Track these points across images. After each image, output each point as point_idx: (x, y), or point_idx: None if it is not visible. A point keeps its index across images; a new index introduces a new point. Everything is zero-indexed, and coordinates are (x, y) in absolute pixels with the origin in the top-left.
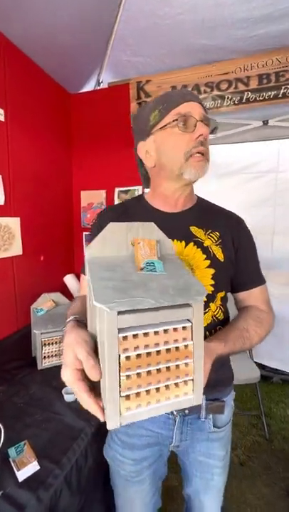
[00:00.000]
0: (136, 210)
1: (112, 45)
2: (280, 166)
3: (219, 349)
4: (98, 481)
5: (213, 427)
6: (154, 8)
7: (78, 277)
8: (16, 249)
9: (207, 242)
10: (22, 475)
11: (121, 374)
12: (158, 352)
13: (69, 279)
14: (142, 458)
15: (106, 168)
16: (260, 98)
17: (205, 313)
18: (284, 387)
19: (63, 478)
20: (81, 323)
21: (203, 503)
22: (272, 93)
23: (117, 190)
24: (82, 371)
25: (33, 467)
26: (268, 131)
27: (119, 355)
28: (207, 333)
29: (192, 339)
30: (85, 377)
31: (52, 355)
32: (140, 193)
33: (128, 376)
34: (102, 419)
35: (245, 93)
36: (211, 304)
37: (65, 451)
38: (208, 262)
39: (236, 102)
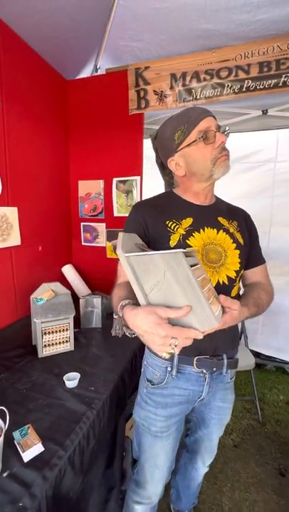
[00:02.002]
0: (172, 203)
1: (110, 30)
2: (279, 156)
3: (245, 312)
4: (100, 463)
5: (230, 378)
6: None
7: (76, 267)
8: (15, 239)
9: (231, 229)
10: (27, 456)
11: (202, 290)
12: (202, 280)
13: (67, 270)
14: (171, 414)
15: (104, 158)
16: (261, 87)
17: (235, 285)
18: (277, 374)
19: (67, 458)
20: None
21: (213, 435)
22: (273, 81)
23: (115, 180)
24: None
25: (37, 449)
26: (267, 121)
27: (197, 280)
28: (236, 296)
29: (205, 273)
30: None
31: (52, 344)
32: (138, 184)
33: (205, 291)
34: (202, 330)
35: (246, 81)
36: (237, 279)
37: (68, 434)
38: (234, 245)
39: (236, 91)
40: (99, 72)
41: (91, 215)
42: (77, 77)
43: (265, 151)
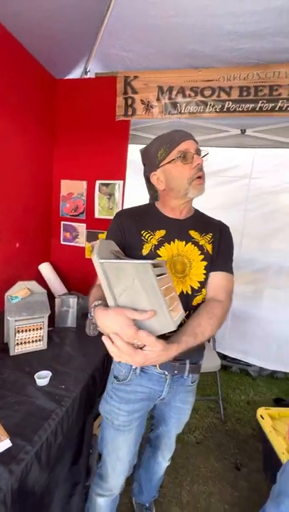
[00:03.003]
0: (150, 214)
1: (102, 37)
2: (254, 173)
3: (173, 352)
4: (66, 459)
5: (191, 382)
6: (146, 8)
7: (54, 266)
8: None
9: (202, 242)
10: None
11: (165, 298)
12: (166, 289)
13: (44, 268)
14: (133, 410)
15: (88, 159)
16: (240, 109)
17: (198, 295)
18: (241, 376)
19: (34, 454)
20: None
21: (171, 433)
22: (251, 106)
23: (98, 182)
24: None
25: (4, 444)
26: (245, 140)
27: (161, 288)
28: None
29: (171, 282)
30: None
31: (25, 342)
32: (121, 188)
33: (168, 299)
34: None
35: (227, 102)
36: (203, 290)
37: (36, 430)
38: (202, 256)
39: (218, 110)
40: (88, 75)
41: (72, 215)
42: (67, 78)
43: (241, 167)
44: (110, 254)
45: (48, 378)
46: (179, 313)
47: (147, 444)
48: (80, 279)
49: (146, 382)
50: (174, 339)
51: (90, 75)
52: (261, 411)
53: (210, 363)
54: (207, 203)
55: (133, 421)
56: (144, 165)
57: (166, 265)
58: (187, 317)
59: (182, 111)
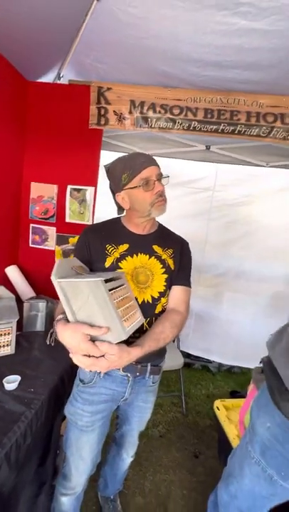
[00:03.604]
0: (116, 230)
1: (76, 47)
2: (216, 186)
3: (137, 353)
4: (33, 461)
5: (152, 382)
6: (120, 27)
7: (22, 269)
8: None
9: (164, 256)
10: None
11: (118, 310)
12: (122, 300)
13: (11, 271)
14: (97, 411)
15: (60, 164)
16: (204, 129)
17: (158, 303)
18: (202, 372)
19: (3, 455)
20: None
21: (134, 431)
22: (214, 127)
23: (69, 187)
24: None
25: None
26: (209, 155)
27: (114, 301)
28: (158, 314)
29: (129, 292)
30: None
31: None
32: (92, 194)
33: (121, 311)
34: (114, 342)
35: (193, 122)
36: (162, 299)
37: (6, 433)
38: (163, 269)
39: (185, 128)
40: (62, 81)
41: (41, 218)
42: (39, 81)
43: (205, 180)
44: (71, 271)
45: (17, 382)
46: (136, 321)
47: (113, 442)
48: (49, 282)
49: (109, 385)
50: (138, 342)
51: (64, 81)
52: (217, 403)
53: (174, 361)
54: (175, 212)
55: (96, 421)
56: (109, 179)
57: (124, 277)
58: (150, 323)
59: (153, 125)
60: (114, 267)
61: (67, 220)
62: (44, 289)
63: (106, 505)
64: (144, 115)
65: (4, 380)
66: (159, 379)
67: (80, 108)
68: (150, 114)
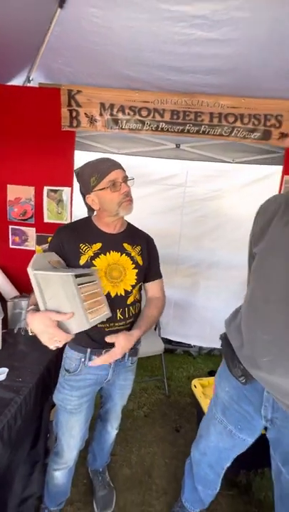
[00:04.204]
0: (88, 229)
1: (44, 52)
2: (188, 182)
3: (138, 334)
4: (26, 443)
5: (130, 363)
6: (84, 34)
7: (4, 270)
8: None
9: (133, 253)
10: None
11: (84, 303)
12: (90, 294)
13: None
14: (83, 395)
15: (35, 166)
16: (172, 130)
17: (130, 295)
18: (184, 357)
19: None
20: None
21: (117, 406)
22: (180, 128)
23: (46, 188)
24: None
25: None
26: (180, 153)
27: (81, 295)
28: (131, 307)
29: (98, 289)
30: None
31: None
32: (68, 195)
33: (87, 304)
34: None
35: (160, 123)
36: (134, 290)
37: None
38: (133, 265)
39: (153, 129)
40: (32, 84)
41: (20, 219)
42: (8, 84)
43: (177, 177)
44: (48, 264)
45: (5, 374)
46: (102, 314)
47: (98, 419)
48: (29, 281)
49: (94, 370)
50: (135, 326)
51: (34, 84)
52: (195, 381)
53: (155, 347)
54: (150, 208)
55: (83, 404)
56: (78, 182)
57: (96, 274)
58: (123, 313)
59: (123, 127)
60: (89, 264)
61: (46, 220)
62: (27, 288)
63: (96, 477)
64: (114, 117)
65: None
66: (136, 359)
67: (52, 110)
68: (120, 116)
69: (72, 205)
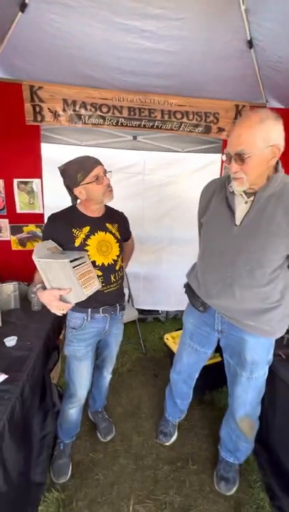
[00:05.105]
0: (76, 216)
1: (4, 50)
2: (146, 171)
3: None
4: (36, 398)
5: (121, 316)
6: (46, 37)
7: None
8: None
9: (114, 230)
10: None
11: (79, 281)
12: (83, 273)
13: None
14: (88, 344)
15: (2, 159)
16: (130, 125)
17: (117, 262)
18: (154, 323)
19: (21, 384)
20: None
21: (113, 351)
22: (137, 123)
23: (15, 180)
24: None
25: (2, 377)
26: (137, 144)
27: (76, 275)
28: (119, 271)
29: (90, 268)
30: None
31: None
32: (38, 186)
33: (82, 281)
34: (74, 301)
35: (119, 119)
36: (118, 259)
37: (20, 368)
38: (115, 240)
39: (113, 124)
40: None
41: None
42: None
43: (136, 166)
44: (47, 251)
45: (15, 340)
46: (94, 287)
47: (95, 368)
48: (9, 269)
49: (95, 325)
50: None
51: None
52: (166, 336)
53: (130, 314)
54: (116, 194)
55: (89, 351)
56: (63, 178)
57: (87, 256)
58: (115, 277)
59: (86, 122)
60: (83, 244)
61: (19, 211)
62: (8, 275)
63: (96, 416)
64: (77, 113)
65: (5, 340)
66: (124, 313)
67: (15, 105)
68: (82, 111)
69: (44, 195)
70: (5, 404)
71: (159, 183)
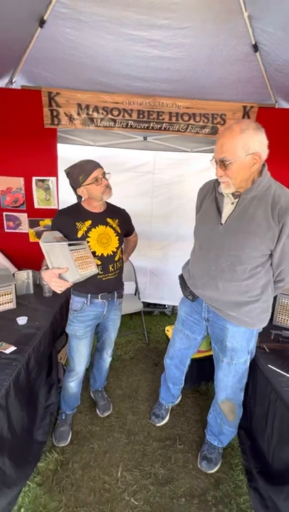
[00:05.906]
0: (80, 212)
1: (26, 60)
2: (156, 170)
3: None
4: (43, 373)
5: (118, 303)
6: (62, 48)
7: (1, 251)
8: None
9: (114, 225)
10: (8, 350)
11: (76, 262)
12: (80, 257)
13: None
14: (87, 326)
15: (23, 159)
16: (139, 127)
17: (116, 254)
18: (160, 316)
19: (27, 355)
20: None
21: (111, 335)
22: (146, 125)
23: (34, 178)
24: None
25: (10, 349)
26: (147, 144)
27: (73, 257)
28: (118, 262)
29: (88, 253)
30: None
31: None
32: (54, 184)
33: (78, 263)
34: (71, 280)
35: (129, 121)
36: (118, 251)
37: (26, 343)
38: (115, 233)
39: (124, 126)
40: (14, 86)
41: (13, 206)
42: None
43: (146, 165)
44: (53, 239)
45: (26, 319)
46: (90, 270)
47: (96, 351)
48: (27, 259)
49: (94, 308)
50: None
51: (16, 86)
52: (167, 327)
53: (136, 306)
54: (125, 192)
55: (87, 332)
56: (69, 180)
57: (86, 244)
58: (114, 266)
59: (98, 124)
60: (85, 236)
61: (36, 206)
62: (24, 264)
63: (97, 394)
64: (90, 116)
65: (17, 319)
66: (122, 301)
67: (34, 110)
68: (95, 115)
69: (59, 192)
70: (12, 369)
71: (167, 182)
